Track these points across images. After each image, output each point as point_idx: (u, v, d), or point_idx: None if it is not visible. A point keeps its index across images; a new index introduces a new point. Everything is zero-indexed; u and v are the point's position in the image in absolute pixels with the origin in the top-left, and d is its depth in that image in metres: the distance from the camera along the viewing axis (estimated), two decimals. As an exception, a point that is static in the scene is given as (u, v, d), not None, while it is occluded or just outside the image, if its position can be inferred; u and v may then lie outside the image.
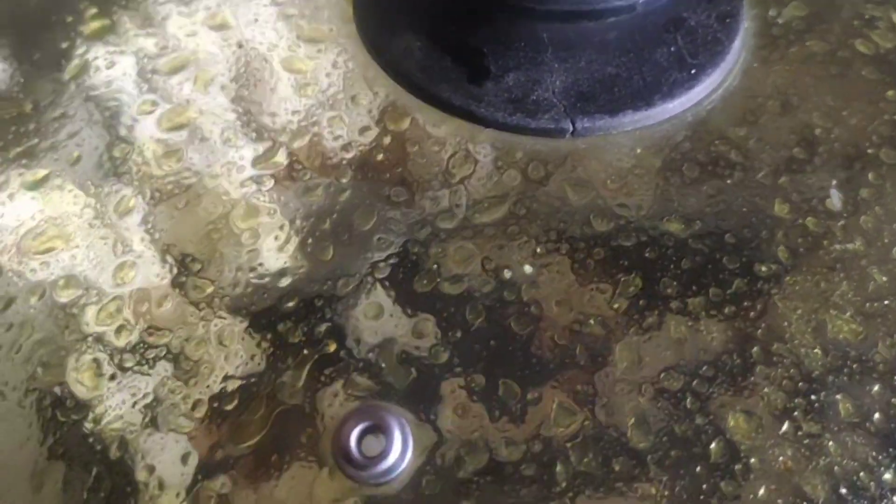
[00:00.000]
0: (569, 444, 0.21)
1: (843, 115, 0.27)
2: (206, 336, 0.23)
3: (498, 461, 0.21)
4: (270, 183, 0.25)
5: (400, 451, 0.21)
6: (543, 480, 0.21)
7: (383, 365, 0.22)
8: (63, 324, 0.24)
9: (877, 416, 0.22)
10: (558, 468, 0.21)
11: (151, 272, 0.24)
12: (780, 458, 0.21)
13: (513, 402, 0.21)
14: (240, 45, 0.28)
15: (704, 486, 0.21)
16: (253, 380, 0.22)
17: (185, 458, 0.22)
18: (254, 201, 0.25)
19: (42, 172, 0.27)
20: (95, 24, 0.30)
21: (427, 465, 0.21)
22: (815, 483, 0.21)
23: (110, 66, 0.29)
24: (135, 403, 0.23)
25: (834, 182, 0.25)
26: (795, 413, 0.22)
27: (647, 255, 0.24)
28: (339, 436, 0.21)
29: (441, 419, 0.21)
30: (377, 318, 0.23)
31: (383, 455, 0.21)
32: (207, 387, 0.23)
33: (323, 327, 0.23)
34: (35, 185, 0.27)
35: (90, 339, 0.24)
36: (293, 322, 0.23)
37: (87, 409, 0.23)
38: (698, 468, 0.21)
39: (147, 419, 0.22)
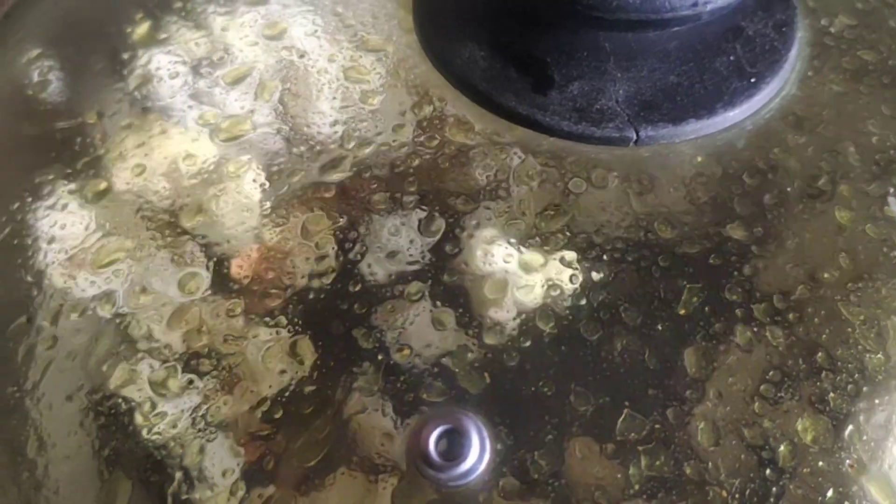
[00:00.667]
0: (640, 448, 0.22)
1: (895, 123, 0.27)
2: (276, 343, 0.24)
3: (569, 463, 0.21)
4: (337, 193, 0.26)
5: (478, 454, 0.21)
6: (615, 482, 0.21)
7: (457, 370, 0.23)
8: (128, 334, 0.24)
9: (941, 419, 0.22)
10: (631, 471, 0.21)
11: (216, 284, 0.25)
12: (847, 462, 0.22)
13: (585, 408, 0.22)
14: (301, 56, 0.29)
15: (774, 490, 0.21)
16: (328, 385, 0.23)
17: (261, 463, 0.22)
18: (319, 211, 0.25)
19: (104, 184, 0.27)
20: (155, 35, 0.30)
21: (503, 467, 0.21)
22: (881, 484, 0.22)
23: (173, 76, 0.29)
24: (205, 413, 0.23)
25: (892, 189, 0.25)
26: (860, 417, 0.22)
27: (710, 261, 0.24)
28: (417, 439, 0.22)
29: (515, 424, 0.22)
30: (447, 326, 0.23)
31: (462, 457, 0.21)
32: (281, 394, 0.23)
33: (396, 333, 0.23)
34: (98, 197, 0.27)
35: (154, 349, 0.24)
36: (366, 328, 0.23)
37: (151, 419, 0.23)
38: (768, 471, 0.21)
39: (218, 426, 0.23)
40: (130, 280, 0.25)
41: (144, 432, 0.23)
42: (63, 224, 0.27)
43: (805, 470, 0.22)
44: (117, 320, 0.25)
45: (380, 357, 0.23)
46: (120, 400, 0.24)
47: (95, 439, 0.23)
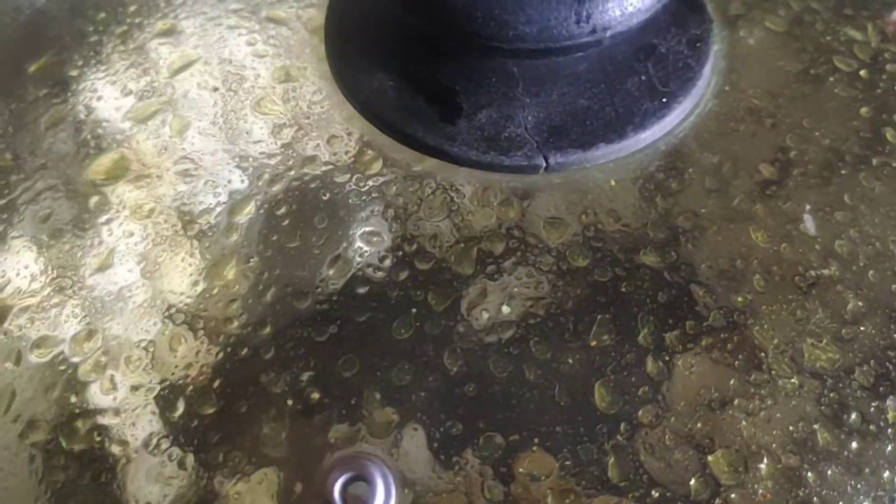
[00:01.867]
0: (549, 488, 0.21)
1: (816, 136, 0.27)
2: (183, 386, 0.23)
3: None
4: (249, 228, 0.25)
5: (383, 500, 0.21)
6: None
7: (365, 413, 0.22)
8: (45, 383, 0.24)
9: (854, 444, 0.22)
10: (541, 510, 0.21)
11: (134, 325, 0.24)
12: (760, 492, 0.22)
13: (493, 449, 0.22)
14: (215, 89, 0.28)
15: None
16: (235, 431, 0.22)
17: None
18: (230, 248, 0.25)
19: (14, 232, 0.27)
20: (65, 71, 0.30)
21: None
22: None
23: (88, 113, 0.29)
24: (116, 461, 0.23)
25: (808, 207, 0.25)
26: (773, 445, 0.22)
27: (622, 289, 0.24)
28: (322, 486, 0.21)
29: (421, 468, 0.21)
30: (355, 367, 0.23)
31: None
32: (193, 440, 0.23)
33: (305, 376, 0.23)
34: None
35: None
36: (275, 372, 0.23)
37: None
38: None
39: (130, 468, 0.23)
40: (38, 330, 0.25)
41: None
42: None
43: (717, 502, 0.21)
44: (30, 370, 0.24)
45: (289, 402, 0.23)
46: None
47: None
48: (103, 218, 0.27)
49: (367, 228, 0.25)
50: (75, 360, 0.24)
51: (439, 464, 0.22)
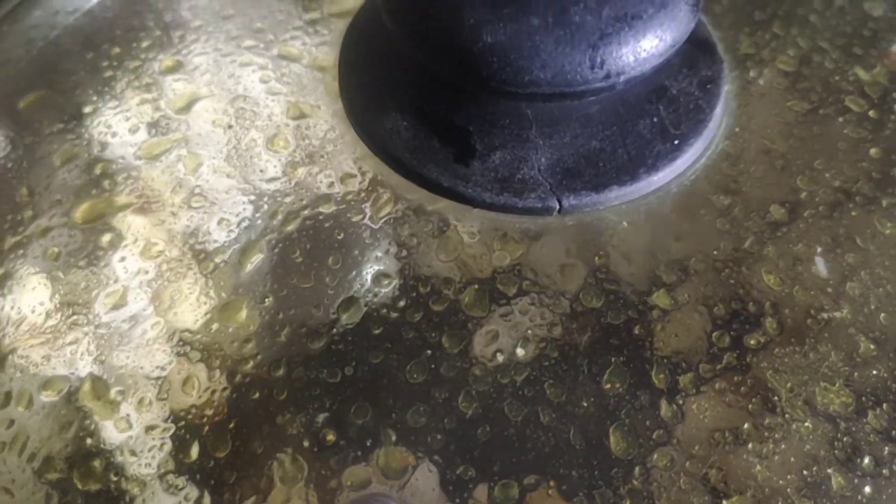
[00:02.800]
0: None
1: (826, 177, 0.27)
2: (198, 426, 0.23)
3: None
4: (261, 266, 0.25)
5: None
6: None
7: (380, 454, 0.22)
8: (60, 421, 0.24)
9: (867, 489, 0.22)
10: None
11: (147, 363, 0.24)
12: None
13: (508, 492, 0.22)
14: (229, 126, 0.29)
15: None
16: (251, 471, 0.23)
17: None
18: (243, 286, 0.25)
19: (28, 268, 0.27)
20: (84, 107, 0.30)
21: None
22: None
23: (102, 149, 0.29)
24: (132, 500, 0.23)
25: (819, 249, 0.25)
26: (788, 490, 0.22)
27: (635, 332, 0.24)
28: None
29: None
30: (369, 409, 0.23)
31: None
32: (209, 480, 0.23)
33: (321, 417, 0.23)
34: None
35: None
36: (291, 413, 0.23)
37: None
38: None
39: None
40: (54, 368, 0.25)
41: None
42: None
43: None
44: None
45: (305, 443, 0.23)
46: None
47: None
48: (117, 255, 0.27)
49: (380, 268, 0.25)
50: (88, 399, 0.24)
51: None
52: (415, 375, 0.23)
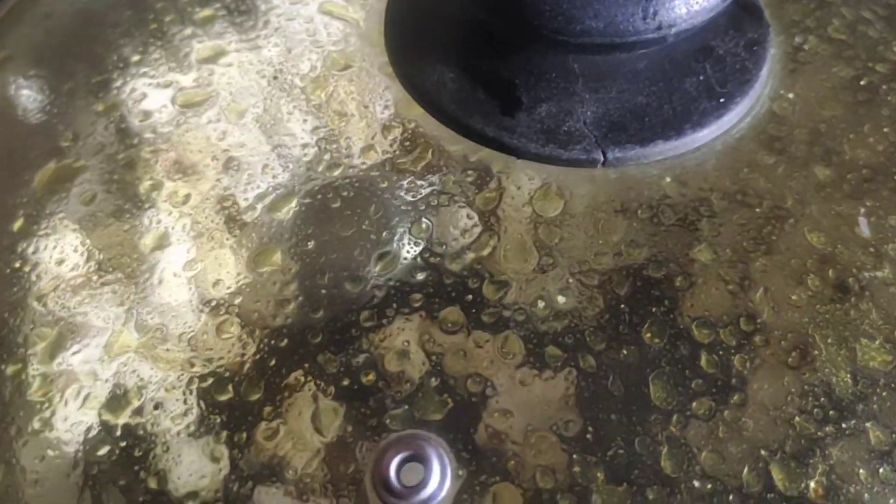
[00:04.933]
0: (600, 475, 0.22)
1: (869, 142, 0.27)
2: (242, 371, 0.24)
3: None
4: (300, 213, 0.26)
5: (439, 481, 0.21)
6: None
7: (421, 396, 0.22)
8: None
9: (907, 444, 0.22)
10: (593, 497, 0.21)
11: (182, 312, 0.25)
12: (812, 486, 0.22)
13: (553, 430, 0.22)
14: (274, 77, 0.29)
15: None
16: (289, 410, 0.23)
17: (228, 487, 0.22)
18: (286, 236, 0.25)
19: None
20: (132, 57, 0.30)
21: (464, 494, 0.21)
22: None
23: (142, 98, 0.29)
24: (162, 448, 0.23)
25: (862, 210, 0.25)
26: (826, 440, 0.22)
27: (677, 284, 0.24)
28: (378, 466, 0.22)
29: (477, 450, 0.22)
30: (410, 352, 0.23)
31: (423, 484, 0.21)
32: (246, 419, 0.23)
33: (361, 358, 0.23)
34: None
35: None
36: (331, 353, 0.23)
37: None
38: (731, 497, 0.21)
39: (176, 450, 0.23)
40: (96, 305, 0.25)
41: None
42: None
43: (770, 495, 0.22)
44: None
45: (345, 382, 0.23)
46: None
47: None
48: (158, 201, 0.27)
49: (421, 217, 0.25)
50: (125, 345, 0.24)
51: (493, 450, 0.22)
52: (453, 321, 0.23)
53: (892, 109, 0.28)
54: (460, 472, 0.22)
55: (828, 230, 0.25)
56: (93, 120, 0.30)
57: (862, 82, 0.29)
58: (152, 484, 0.23)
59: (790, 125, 0.27)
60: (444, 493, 0.21)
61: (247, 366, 0.24)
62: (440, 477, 0.21)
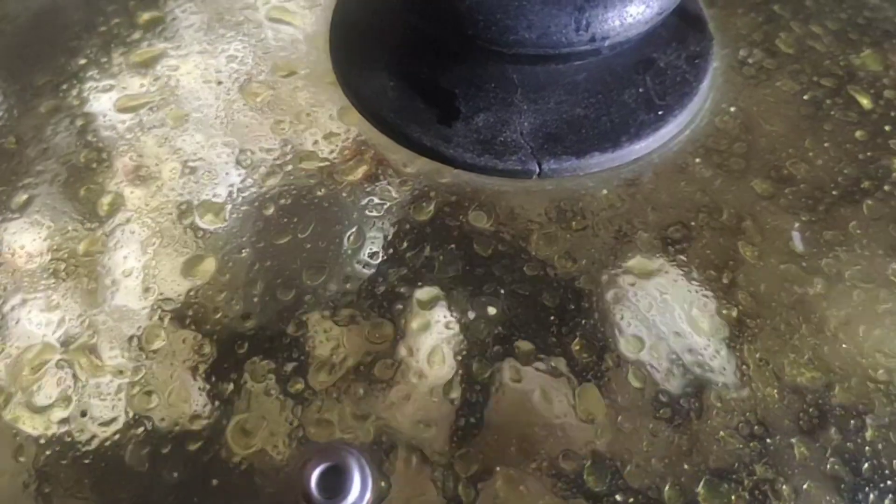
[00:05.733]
0: (523, 488, 0.22)
1: (810, 156, 0.27)
2: (171, 378, 0.23)
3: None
4: (243, 221, 0.26)
5: (359, 491, 0.21)
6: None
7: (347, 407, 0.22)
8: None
9: (832, 460, 0.22)
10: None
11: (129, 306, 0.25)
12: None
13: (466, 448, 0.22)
14: (219, 82, 0.29)
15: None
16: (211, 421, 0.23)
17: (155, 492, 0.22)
18: (220, 242, 0.25)
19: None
20: (79, 60, 0.30)
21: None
22: None
23: (86, 101, 0.29)
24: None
25: (797, 224, 0.25)
26: (749, 457, 0.22)
27: (607, 297, 0.24)
28: (299, 477, 0.22)
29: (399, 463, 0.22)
30: (335, 356, 0.23)
31: (343, 494, 0.21)
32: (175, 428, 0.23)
33: (289, 367, 0.23)
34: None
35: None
36: (259, 360, 0.23)
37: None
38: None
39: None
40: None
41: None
42: None
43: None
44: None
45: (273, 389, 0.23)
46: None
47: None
48: (99, 203, 0.27)
49: (359, 226, 0.25)
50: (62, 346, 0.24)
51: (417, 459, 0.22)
52: (385, 330, 0.23)
53: (835, 124, 0.28)
54: (382, 483, 0.22)
55: (761, 244, 0.25)
56: (36, 122, 0.29)
57: (805, 97, 0.29)
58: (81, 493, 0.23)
59: (730, 138, 0.27)
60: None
61: (176, 372, 0.24)
62: (360, 487, 0.21)
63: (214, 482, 0.22)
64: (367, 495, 0.21)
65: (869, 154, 0.27)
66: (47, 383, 0.24)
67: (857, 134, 0.28)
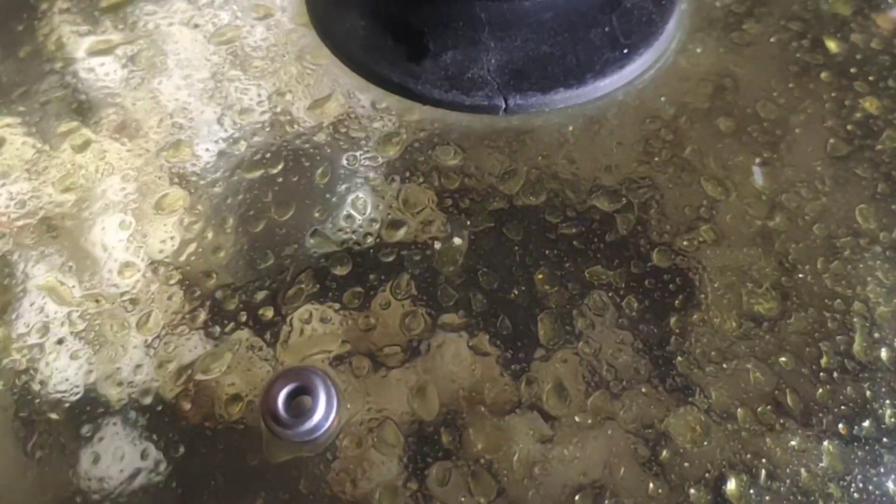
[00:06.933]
0: (483, 409, 0.22)
1: (774, 96, 0.27)
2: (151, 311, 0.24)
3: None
4: (216, 158, 0.26)
5: (324, 411, 0.22)
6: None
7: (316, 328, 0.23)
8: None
9: (788, 390, 0.23)
10: (470, 432, 0.22)
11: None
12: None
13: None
14: (195, 26, 0.29)
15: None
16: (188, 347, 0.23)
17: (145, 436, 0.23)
18: (194, 178, 0.26)
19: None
20: (59, 5, 0.31)
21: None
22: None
23: (61, 45, 0.29)
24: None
25: (757, 160, 0.26)
26: (707, 380, 0.23)
27: (573, 230, 0.24)
28: (267, 396, 0.22)
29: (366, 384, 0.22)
30: (309, 289, 0.24)
31: (309, 414, 0.22)
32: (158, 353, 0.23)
33: (261, 295, 0.24)
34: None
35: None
36: (231, 290, 0.24)
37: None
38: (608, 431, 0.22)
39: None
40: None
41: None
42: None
43: (648, 431, 0.22)
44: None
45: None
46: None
47: None
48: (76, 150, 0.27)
49: (328, 163, 0.26)
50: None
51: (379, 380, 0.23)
52: (351, 262, 0.24)
53: (800, 66, 0.28)
54: (348, 406, 0.22)
55: (724, 180, 0.25)
56: (16, 67, 0.30)
57: (772, 39, 0.29)
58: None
59: (695, 79, 0.27)
60: (329, 424, 0.22)
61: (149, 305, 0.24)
62: (325, 408, 0.22)
63: (187, 406, 0.23)
64: (332, 416, 0.22)
65: (833, 95, 0.28)
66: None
67: (823, 75, 0.28)
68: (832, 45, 0.29)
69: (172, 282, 0.24)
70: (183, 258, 0.25)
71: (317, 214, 0.25)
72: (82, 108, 0.28)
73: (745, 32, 0.29)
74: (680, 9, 0.28)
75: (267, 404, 0.22)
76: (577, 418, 0.22)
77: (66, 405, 0.23)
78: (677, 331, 0.23)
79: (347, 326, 0.23)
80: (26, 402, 0.23)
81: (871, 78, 0.28)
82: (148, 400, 0.23)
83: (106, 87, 0.28)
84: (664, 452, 0.22)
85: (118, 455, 0.22)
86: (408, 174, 0.25)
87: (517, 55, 0.26)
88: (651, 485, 0.21)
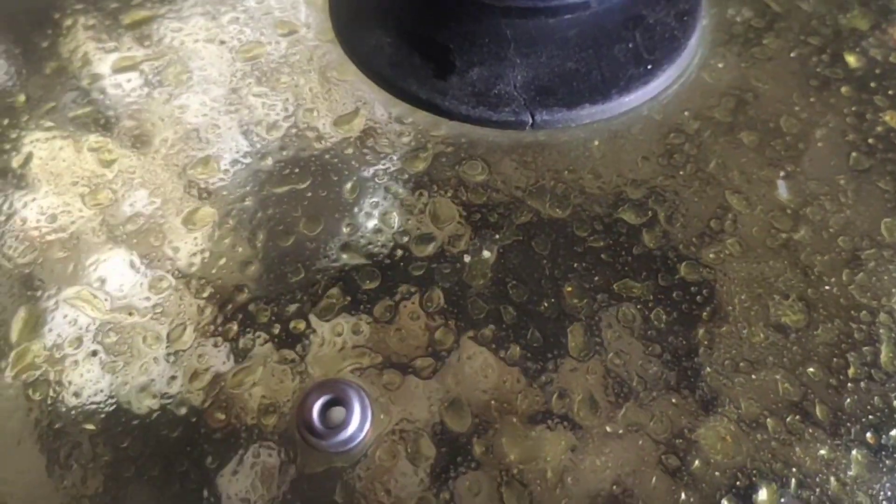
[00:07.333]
0: (514, 419, 0.22)
1: (795, 110, 0.28)
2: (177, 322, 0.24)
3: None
4: (244, 173, 0.26)
5: (358, 423, 0.22)
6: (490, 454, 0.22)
7: (349, 341, 0.23)
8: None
9: (816, 400, 0.23)
10: (503, 441, 0.22)
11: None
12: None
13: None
14: (221, 42, 0.29)
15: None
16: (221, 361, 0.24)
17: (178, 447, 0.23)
18: (224, 193, 0.26)
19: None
20: (83, 21, 0.31)
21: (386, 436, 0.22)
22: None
23: (89, 62, 0.30)
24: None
25: (782, 174, 0.26)
26: (736, 391, 0.23)
27: (601, 242, 0.25)
28: (302, 408, 0.22)
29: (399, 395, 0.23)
30: (340, 302, 0.24)
31: (344, 425, 0.22)
32: (181, 366, 0.24)
33: (292, 308, 0.24)
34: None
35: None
36: (263, 303, 0.24)
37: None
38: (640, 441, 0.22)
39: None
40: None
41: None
42: None
43: (679, 441, 0.22)
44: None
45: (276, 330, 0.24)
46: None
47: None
48: (109, 170, 0.28)
49: (357, 176, 0.26)
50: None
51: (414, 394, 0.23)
52: (380, 276, 0.24)
53: (821, 81, 0.29)
54: (381, 416, 0.22)
55: (748, 193, 0.26)
56: (43, 83, 0.30)
57: (793, 54, 0.29)
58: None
59: (718, 93, 0.28)
60: (363, 435, 0.22)
61: (180, 317, 0.24)
62: (359, 419, 0.22)
63: (221, 417, 0.23)
64: (367, 427, 0.22)
65: (854, 109, 0.28)
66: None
67: (843, 89, 0.28)
68: (851, 60, 0.30)
69: (204, 294, 0.24)
70: (214, 271, 0.25)
71: (346, 229, 0.25)
72: (110, 124, 0.28)
73: (766, 47, 0.29)
74: (702, 24, 0.28)
75: (302, 416, 0.22)
76: (607, 428, 0.22)
77: (101, 416, 0.23)
78: (705, 342, 0.23)
79: (379, 339, 0.23)
80: (60, 413, 0.24)
81: (890, 92, 0.28)
82: (182, 411, 0.23)
83: (134, 103, 0.29)
84: (695, 462, 0.22)
85: (153, 466, 0.23)
86: (435, 188, 0.26)
87: (543, 71, 0.26)
88: (682, 494, 0.22)
